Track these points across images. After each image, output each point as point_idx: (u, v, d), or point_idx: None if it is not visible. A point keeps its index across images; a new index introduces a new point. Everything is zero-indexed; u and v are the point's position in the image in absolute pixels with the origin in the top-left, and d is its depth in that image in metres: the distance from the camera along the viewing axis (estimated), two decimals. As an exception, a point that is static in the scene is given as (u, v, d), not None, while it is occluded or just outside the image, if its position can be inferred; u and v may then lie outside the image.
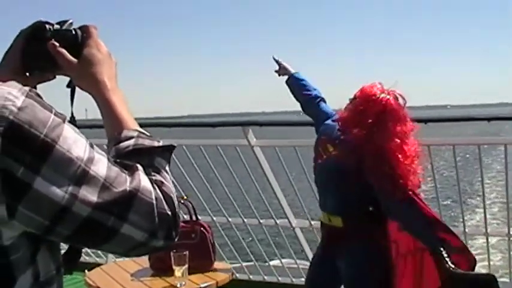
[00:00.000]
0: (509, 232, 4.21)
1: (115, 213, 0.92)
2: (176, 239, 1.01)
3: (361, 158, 2.95)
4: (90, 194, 0.91)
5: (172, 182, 1.05)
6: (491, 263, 4.65)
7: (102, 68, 1.15)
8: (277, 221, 4.91)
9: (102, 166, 0.94)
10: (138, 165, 0.99)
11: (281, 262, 5.18)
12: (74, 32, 1.17)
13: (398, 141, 2.92)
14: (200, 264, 3.13)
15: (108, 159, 0.97)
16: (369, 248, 3.03)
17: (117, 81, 1.18)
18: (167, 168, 1.05)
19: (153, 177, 1.00)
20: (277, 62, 3.59)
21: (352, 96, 3.08)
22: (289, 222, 4.84)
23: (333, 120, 3.24)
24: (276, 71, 3.60)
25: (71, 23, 1.18)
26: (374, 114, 2.94)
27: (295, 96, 3.55)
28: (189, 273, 2.97)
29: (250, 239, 5.18)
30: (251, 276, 5.11)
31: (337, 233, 3.13)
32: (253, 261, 5.22)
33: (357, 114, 2.99)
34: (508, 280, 4.55)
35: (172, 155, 1.09)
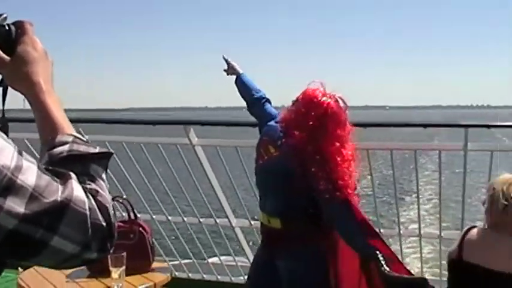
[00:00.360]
0: (440, 234, 4.39)
1: (44, 225, 0.88)
2: (111, 250, 0.98)
3: (302, 161, 2.98)
4: (16, 205, 0.86)
5: (112, 179, 1.01)
6: (423, 255, 4.84)
7: (38, 67, 1.10)
8: (217, 220, 4.91)
9: (31, 175, 0.89)
10: (72, 173, 0.95)
11: (219, 259, 5.19)
12: (7, 28, 1.10)
13: (338, 144, 2.97)
14: (138, 265, 3.09)
15: (38, 166, 0.92)
16: (308, 250, 3.06)
17: (52, 82, 1.12)
18: (103, 176, 1.01)
19: (88, 186, 0.96)
20: (226, 61, 3.67)
21: (294, 98, 3.11)
22: (229, 221, 4.84)
23: (276, 122, 3.27)
24: (224, 70, 3.68)
25: (5, 18, 1.11)
26: (315, 117, 2.97)
27: (242, 96, 3.62)
28: (127, 274, 2.91)
29: (190, 234, 5.16)
30: (190, 275, 5.10)
31: (276, 234, 3.16)
32: (192, 259, 5.21)
33: (299, 117, 3.02)
34: (438, 277, 4.70)
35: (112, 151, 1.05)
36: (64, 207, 0.90)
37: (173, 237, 5.30)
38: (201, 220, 4.94)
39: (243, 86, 3.60)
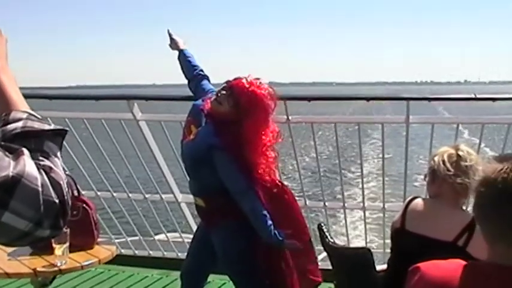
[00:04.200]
0: (383, 207, 4.47)
1: None
2: (64, 229, 0.97)
3: (218, 145, 3.00)
4: None
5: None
6: (368, 227, 4.96)
7: None
8: (163, 196, 4.89)
9: None
10: (24, 149, 0.93)
11: (166, 236, 5.18)
12: None
13: (260, 132, 3.03)
14: (82, 241, 3.07)
15: None
16: (232, 226, 3.12)
17: (7, 59, 1.11)
18: (58, 153, 1.00)
19: (41, 163, 0.94)
20: (170, 35, 3.69)
21: (224, 84, 3.11)
22: (175, 197, 4.83)
23: (203, 100, 3.25)
24: (169, 45, 3.69)
25: None
26: (239, 104, 3.00)
27: (182, 72, 3.63)
28: (71, 251, 2.90)
29: (135, 211, 5.12)
30: (136, 252, 5.08)
31: (203, 212, 3.26)
32: (139, 235, 5.18)
33: (223, 103, 3.04)
34: (381, 249, 4.82)
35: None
36: (15, 182, 0.88)
37: (119, 214, 5.25)
38: (146, 196, 4.92)
39: (183, 62, 3.61)
